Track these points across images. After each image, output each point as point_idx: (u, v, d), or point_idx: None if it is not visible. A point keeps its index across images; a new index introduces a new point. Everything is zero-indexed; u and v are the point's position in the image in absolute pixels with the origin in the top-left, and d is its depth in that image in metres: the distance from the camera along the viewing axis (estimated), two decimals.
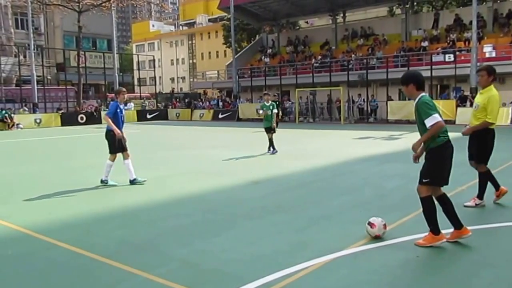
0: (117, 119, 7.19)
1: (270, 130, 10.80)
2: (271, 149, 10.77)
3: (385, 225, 4.28)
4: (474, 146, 5.38)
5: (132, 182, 7.26)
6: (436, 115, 3.88)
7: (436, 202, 4.14)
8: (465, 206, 5.37)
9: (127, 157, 7.26)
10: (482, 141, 5.28)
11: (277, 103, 11.23)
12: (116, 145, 7.12)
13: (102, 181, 7.26)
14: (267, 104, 10.88)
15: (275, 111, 10.96)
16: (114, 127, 7.04)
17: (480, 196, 5.46)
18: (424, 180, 4.04)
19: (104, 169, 7.30)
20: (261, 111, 11.21)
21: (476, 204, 5.42)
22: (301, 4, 33.39)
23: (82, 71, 30.60)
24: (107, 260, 3.88)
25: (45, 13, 37.28)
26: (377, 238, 4.22)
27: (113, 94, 9.04)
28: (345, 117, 24.95)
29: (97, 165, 10.00)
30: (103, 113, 30.07)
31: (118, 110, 7.22)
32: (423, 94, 4.08)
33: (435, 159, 4.03)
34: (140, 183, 7.29)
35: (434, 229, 4.01)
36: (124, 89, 7.57)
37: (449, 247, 4.05)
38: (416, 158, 4.14)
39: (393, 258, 3.80)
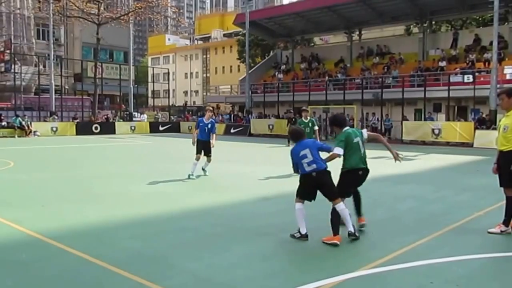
0: (201, 130, 9.35)
1: None
2: None
3: None
4: (502, 168, 5.16)
5: (189, 176, 9.14)
6: None
7: None
8: (489, 233, 5.13)
9: (206, 159, 9.48)
10: (508, 163, 5.05)
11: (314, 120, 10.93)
12: (199, 148, 9.26)
13: (189, 176, 9.09)
14: (306, 121, 10.47)
15: (316, 128, 10.51)
16: (194, 135, 9.49)
17: (507, 222, 5.12)
18: None
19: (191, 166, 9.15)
20: None
21: (501, 231, 5.11)
22: (316, 21, 33.66)
23: (98, 82, 31.19)
24: (117, 269, 3.88)
25: (66, 25, 38.30)
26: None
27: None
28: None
29: (111, 174, 10.08)
30: (117, 123, 30.46)
31: (201, 124, 9.33)
32: None
33: None
34: (192, 178, 9.05)
35: None
36: (211, 108, 10.00)
37: (468, 273, 3.92)
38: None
39: (405, 283, 3.70)
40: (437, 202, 7.16)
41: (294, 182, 9.14)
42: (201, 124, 9.35)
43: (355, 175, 5.06)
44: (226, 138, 26.53)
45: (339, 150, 4.90)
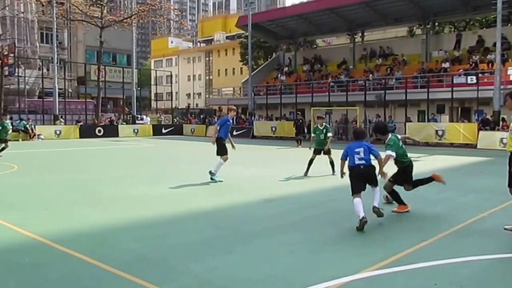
0: (226, 129, 9.08)
1: (320, 152, 10.56)
2: (332, 170, 10.36)
3: None
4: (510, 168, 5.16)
5: (211, 174, 8.88)
6: None
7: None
8: (505, 229, 5.19)
9: (224, 159, 9.02)
10: None
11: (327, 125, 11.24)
12: (225, 148, 8.92)
13: (210, 173, 8.87)
14: (321, 128, 10.67)
15: (330, 134, 10.75)
16: (214, 134, 9.00)
17: None
18: None
19: (216, 165, 8.91)
20: (313, 135, 11.06)
21: None
22: (319, 23, 33.67)
23: (101, 85, 31.29)
24: (119, 272, 3.88)
25: (69, 28, 38.51)
26: None
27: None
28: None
29: (114, 177, 10.11)
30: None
31: (229, 123, 9.06)
32: None
33: None
34: (215, 180, 8.81)
35: None
36: (234, 108, 10.02)
37: (472, 274, 3.89)
38: None
39: (409, 285, 3.68)
40: (440, 203, 7.13)
41: (296, 184, 9.18)
42: (228, 123, 9.17)
43: (409, 168, 6.51)
44: None
45: (391, 153, 6.17)
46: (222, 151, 8.99)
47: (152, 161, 14.36)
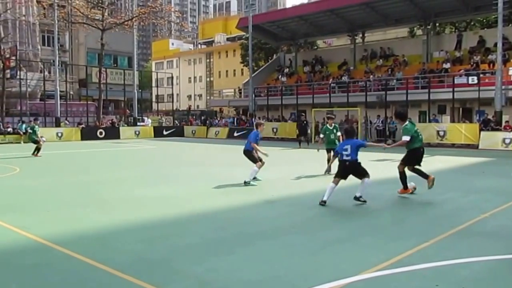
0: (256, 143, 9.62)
1: (332, 151, 10.90)
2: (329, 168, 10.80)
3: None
4: None
5: (245, 183, 9.05)
6: None
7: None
8: None
9: (258, 166, 9.34)
10: None
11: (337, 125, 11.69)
12: (256, 157, 9.39)
13: (245, 182, 9.10)
14: (330, 128, 11.12)
15: (339, 133, 11.15)
16: (258, 149, 9.42)
17: None
18: None
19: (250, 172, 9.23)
20: (322, 135, 11.42)
21: None
22: (319, 24, 33.69)
23: (103, 87, 31.36)
24: (121, 274, 3.90)
25: (70, 31, 38.58)
26: None
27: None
28: (362, 138, 24.71)
29: (115, 179, 10.12)
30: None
31: (258, 138, 9.60)
32: None
33: None
34: (252, 184, 8.99)
35: None
36: (263, 123, 10.13)
37: (474, 276, 3.89)
38: None
39: (410, 286, 3.68)
40: (442, 204, 7.12)
41: (297, 186, 9.19)
42: (258, 137, 9.67)
43: (418, 152, 7.51)
44: (230, 141, 26.56)
45: (406, 138, 7.33)
46: (254, 159, 9.45)
47: (154, 163, 14.38)
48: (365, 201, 6.84)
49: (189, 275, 3.90)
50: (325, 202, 6.76)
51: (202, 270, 4.01)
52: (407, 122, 7.54)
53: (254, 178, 9.29)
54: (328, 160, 10.92)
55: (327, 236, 5.22)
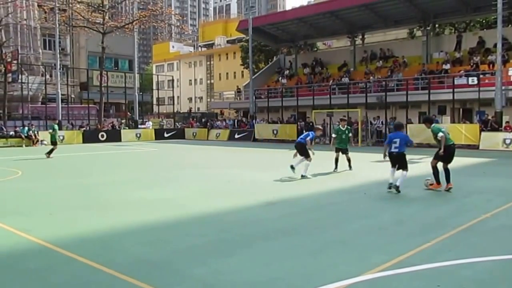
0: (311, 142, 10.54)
1: (346, 151, 11.84)
2: (349, 167, 11.82)
3: None
4: None
5: (302, 176, 10.09)
6: None
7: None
8: None
9: (309, 160, 10.28)
10: None
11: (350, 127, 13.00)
12: (308, 152, 10.28)
13: (302, 176, 10.08)
14: (343, 129, 11.94)
15: (350, 134, 12.18)
16: (311, 146, 10.38)
17: None
18: None
19: (303, 168, 10.15)
20: (334, 135, 12.21)
21: None
22: (319, 26, 33.74)
23: (104, 90, 31.43)
24: (123, 276, 3.91)
25: (72, 35, 38.71)
26: None
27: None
28: (362, 139, 24.71)
29: (117, 181, 10.15)
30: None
31: (312, 138, 10.48)
32: None
33: None
34: (307, 177, 10.00)
35: None
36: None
37: (475, 276, 3.90)
38: None
39: (412, 287, 3.69)
40: (443, 204, 7.14)
41: (298, 187, 9.21)
42: (311, 136, 10.72)
43: (451, 148, 8.30)
44: (231, 143, 26.58)
45: (441, 134, 8.18)
46: (307, 154, 10.43)
47: (155, 165, 14.40)
48: (399, 191, 7.74)
49: (191, 277, 3.91)
50: (392, 184, 7.89)
51: (203, 272, 4.03)
52: (434, 124, 8.51)
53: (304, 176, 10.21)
54: (336, 160, 11.69)
55: (328, 237, 5.23)
